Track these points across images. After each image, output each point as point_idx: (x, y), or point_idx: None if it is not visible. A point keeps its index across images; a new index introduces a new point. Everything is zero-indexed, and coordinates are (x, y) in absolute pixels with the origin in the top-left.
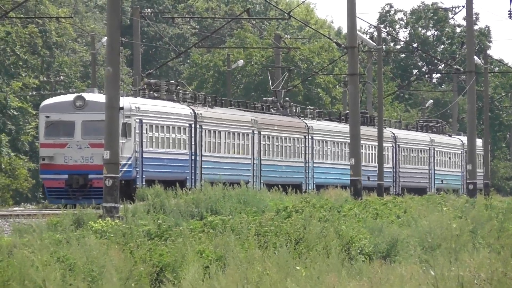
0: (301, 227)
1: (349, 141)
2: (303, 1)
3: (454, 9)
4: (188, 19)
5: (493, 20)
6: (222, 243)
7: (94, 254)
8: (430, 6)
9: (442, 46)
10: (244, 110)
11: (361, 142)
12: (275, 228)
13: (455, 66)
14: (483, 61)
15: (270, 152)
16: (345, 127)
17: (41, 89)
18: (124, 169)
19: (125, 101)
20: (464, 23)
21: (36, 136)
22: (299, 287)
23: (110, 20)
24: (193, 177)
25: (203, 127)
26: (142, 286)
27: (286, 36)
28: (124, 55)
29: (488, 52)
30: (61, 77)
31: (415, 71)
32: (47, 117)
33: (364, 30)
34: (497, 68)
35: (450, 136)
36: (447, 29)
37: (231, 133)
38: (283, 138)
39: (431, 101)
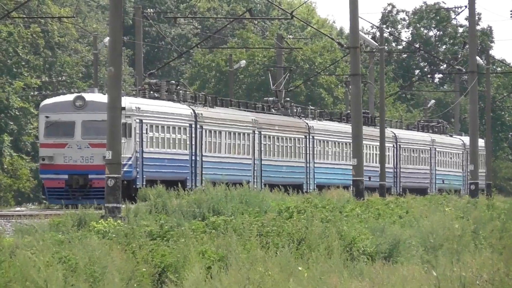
0: (303, 227)
1: (350, 141)
2: (306, 1)
3: (456, 9)
4: (191, 19)
5: (495, 20)
6: (224, 243)
7: (96, 255)
8: (432, 6)
9: (444, 46)
10: (245, 110)
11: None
12: (277, 228)
13: (457, 67)
14: (485, 61)
15: (271, 152)
16: (346, 127)
17: (43, 89)
18: (124, 169)
19: (125, 101)
20: (466, 23)
21: (38, 136)
22: (301, 287)
23: (112, 20)
24: (193, 177)
25: (204, 127)
26: (144, 286)
27: (288, 36)
28: (126, 55)
29: (490, 52)
30: (63, 77)
31: (417, 71)
32: (47, 117)
33: (366, 30)
34: (499, 68)
35: (451, 136)
36: (449, 29)
37: (231, 133)
38: (284, 138)
39: (433, 101)
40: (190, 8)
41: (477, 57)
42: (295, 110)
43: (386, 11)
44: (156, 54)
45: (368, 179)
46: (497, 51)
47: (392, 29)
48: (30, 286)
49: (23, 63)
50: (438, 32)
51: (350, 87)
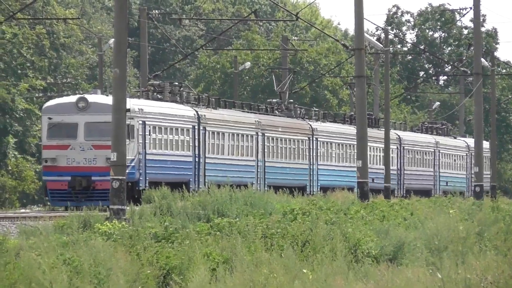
0: (307, 229)
1: (353, 143)
2: (311, 3)
3: (461, 10)
4: (195, 21)
5: (500, 21)
6: (229, 245)
7: (101, 257)
8: (437, 8)
9: (449, 48)
10: (248, 112)
11: None
12: (281, 230)
13: (462, 68)
14: (490, 63)
15: (274, 154)
16: (349, 129)
17: (48, 90)
18: (127, 171)
19: (129, 103)
20: (471, 24)
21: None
22: None
23: (117, 21)
24: (196, 179)
25: (207, 128)
26: None
27: (293, 37)
28: (131, 57)
29: (495, 54)
30: (68, 78)
31: (422, 73)
32: (50, 118)
33: (371, 32)
34: (504, 70)
35: (454, 138)
36: (454, 31)
37: (235, 135)
38: (287, 139)
39: (438, 103)
40: (195, 9)
41: (482, 59)
42: (298, 112)
43: (391, 12)
44: (161, 56)
45: (371, 181)
46: (502, 53)
47: (397, 30)
48: (35, 287)
49: (28, 64)
50: (443, 34)
51: (354, 89)
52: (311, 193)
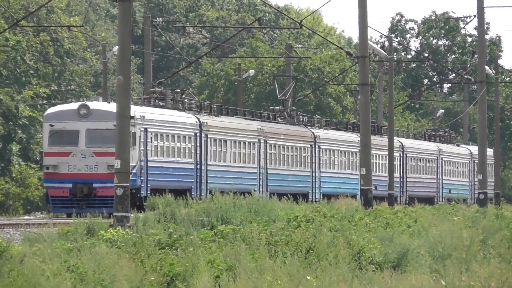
0: (311, 236)
1: (356, 150)
2: (315, 11)
3: (465, 18)
4: (199, 29)
5: (504, 30)
6: (232, 252)
7: (104, 263)
8: (441, 16)
9: (453, 56)
10: (250, 119)
11: None
12: (285, 237)
13: (466, 76)
14: (494, 71)
15: (277, 161)
16: (352, 136)
17: (52, 98)
18: None
19: (131, 110)
20: (475, 32)
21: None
22: None
23: (121, 27)
24: (198, 186)
25: (209, 136)
26: None
27: (297, 45)
28: (135, 64)
29: (499, 61)
30: (72, 86)
31: (426, 81)
32: (51, 125)
33: (375, 39)
34: (508, 78)
35: (458, 145)
36: (458, 39)
37: (237, 142)
38: (289, 147)
39: (442, 110)
40: (199, 17)
41: (486, 67)
42: (301, 119)
43: (395, 20)
44: (165, 63)
45: (374, 188)
46: (506, 61)
47: (401, 38)
48: None
49: (32, 72)
50: (447, 42)
51: (358, 96)
52: (314, 201)
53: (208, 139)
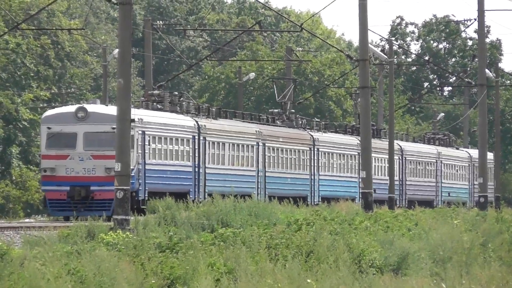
0: (311, 240)
1: (355, 153)
2: (315, 14)
3: (465, 22)
4: (200, 32)
5: (504, 33)
6: (233, 255)
7: (105, 266)
8: (442, 19)
9: (453, 59)
10: (249, 122)
11: None
12: (286, 241)
13: (467, 79)
14: (494, 74)
15: (275, 164)
16: (351, 139)
17: (53, 101)
18: None
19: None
20: (475, 36)
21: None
22: None
23: (121, 30)
24: (196, 189)
25: (207, 138)
26: None
27: (297, 48)
28: (135, 67)
29: (500, 65)
30: (72, 89)
31: (426, 84)
32: (49, 128)
33: (375, 42)
34: (508, 81)
35: (457, 148)
36: (458, 42)
37: (235, 145)
38: (288, 150)
39: (442, 114)
40: (199, 20)
41: (486, 70)
42: (300, 122)
43: (395, 23)
44: (165, 66)
45: (374, 191)
46: (506, 64)
47: (401, 41)
48: None
49: (32, 75)
50: (447, 45)
51: (359, 99)
52: (312, 204)
53: (207, 142)
